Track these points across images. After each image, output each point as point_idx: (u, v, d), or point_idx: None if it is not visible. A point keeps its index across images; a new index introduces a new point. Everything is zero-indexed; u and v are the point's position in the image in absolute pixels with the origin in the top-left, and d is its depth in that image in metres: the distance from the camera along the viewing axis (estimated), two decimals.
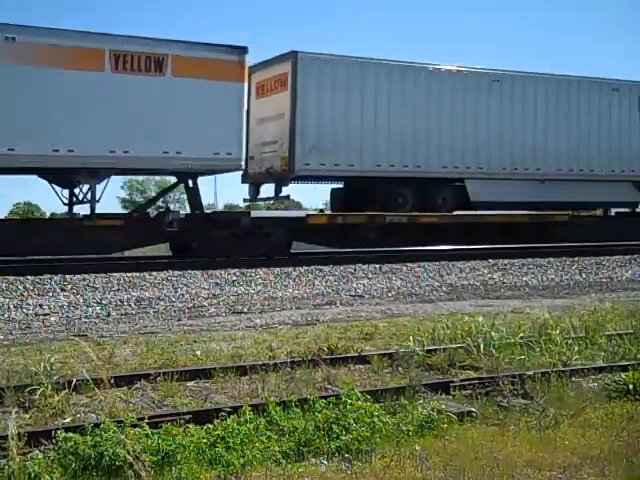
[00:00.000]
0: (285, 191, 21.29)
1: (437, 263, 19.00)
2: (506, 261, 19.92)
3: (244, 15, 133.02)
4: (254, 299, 14.75)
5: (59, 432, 5.44)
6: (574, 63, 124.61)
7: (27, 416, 6.47)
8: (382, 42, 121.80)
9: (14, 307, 13.14)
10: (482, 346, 8.64)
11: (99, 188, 17.64)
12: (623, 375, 7.71)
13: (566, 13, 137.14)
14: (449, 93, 21.11)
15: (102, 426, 5.41)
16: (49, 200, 45.99)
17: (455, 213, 21.61)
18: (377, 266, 18.19)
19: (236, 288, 15.60)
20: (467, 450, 5.67)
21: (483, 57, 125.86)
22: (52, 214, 46.33)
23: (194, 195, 19.01)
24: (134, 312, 13.29)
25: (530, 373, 7.67)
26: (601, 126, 23.24)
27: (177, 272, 16.26)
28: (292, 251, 19.66)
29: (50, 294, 14.21)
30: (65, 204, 18.59)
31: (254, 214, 20.17)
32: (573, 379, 7.89)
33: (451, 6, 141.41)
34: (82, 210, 18.24)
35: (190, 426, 5.71)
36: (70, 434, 5.35)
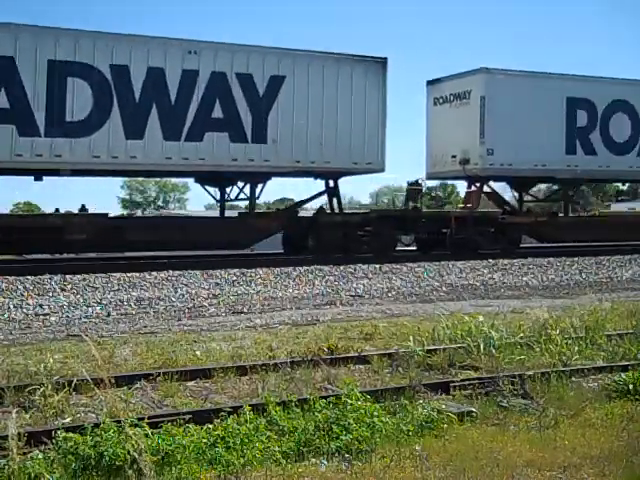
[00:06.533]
0: None
1: (437, 263, 19.02)
2: (506, 261, 19.94)
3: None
4: (254, 299, 14.75)
5: (59, 432, 5.44)
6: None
7: (27, 416, 6.47)
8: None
9: (14, 307, 13.15)
10: (482, 346, 8.66)
11: None
12: (623, 375, 7.72)
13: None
14: None
15: (102, 426, 5.41)
16: (48, 200, 46.10)
17: None
18: (377, 266, 18.19)
19: (236, 288, 15.60)
20: (467, 450, 5.68)
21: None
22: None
23: None
24: (134, 312, 13.29)
25: (530, 373, 7.67)
26: None
27: (177, 272, 16.27)
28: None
29: (50, 294, 14.21)
30: None
31: None
32: (573, 379, 7.89)
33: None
34: None
35: (190, 426, 5.71)
36: (70, 434, 5.35)
